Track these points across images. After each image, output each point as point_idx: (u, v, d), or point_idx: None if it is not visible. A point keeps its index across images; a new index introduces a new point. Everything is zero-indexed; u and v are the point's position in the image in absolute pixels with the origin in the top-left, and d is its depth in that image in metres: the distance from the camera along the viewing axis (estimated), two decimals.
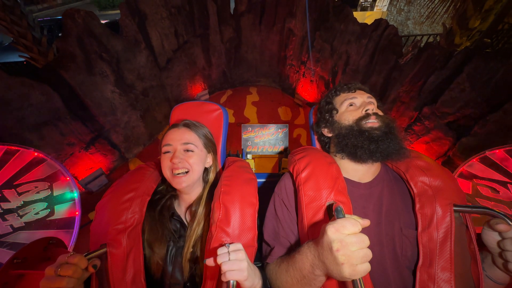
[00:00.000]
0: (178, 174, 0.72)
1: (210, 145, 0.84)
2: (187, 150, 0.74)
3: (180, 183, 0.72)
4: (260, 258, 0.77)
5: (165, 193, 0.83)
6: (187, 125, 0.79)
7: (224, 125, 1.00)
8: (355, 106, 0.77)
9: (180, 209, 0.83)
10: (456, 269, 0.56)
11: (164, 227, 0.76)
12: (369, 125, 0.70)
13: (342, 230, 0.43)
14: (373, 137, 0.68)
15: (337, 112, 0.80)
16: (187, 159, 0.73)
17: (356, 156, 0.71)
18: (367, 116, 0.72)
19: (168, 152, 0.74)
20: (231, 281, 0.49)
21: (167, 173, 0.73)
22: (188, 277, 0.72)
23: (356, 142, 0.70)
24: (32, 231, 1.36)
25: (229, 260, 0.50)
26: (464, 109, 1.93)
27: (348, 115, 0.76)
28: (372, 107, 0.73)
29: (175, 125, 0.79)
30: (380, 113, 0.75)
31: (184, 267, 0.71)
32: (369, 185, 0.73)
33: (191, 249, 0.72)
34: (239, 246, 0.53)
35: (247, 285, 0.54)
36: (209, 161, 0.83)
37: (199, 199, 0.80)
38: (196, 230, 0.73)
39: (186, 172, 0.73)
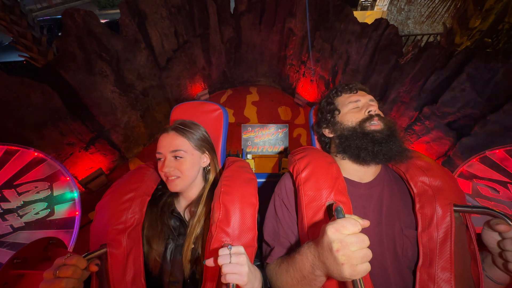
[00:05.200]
0: (171, 178, 0.74)
1: (205, 145, 0.83)
2: (177, 157, 0.75)
3: (173, 187, 0.75)
4: (260, 257, 0.77)
5: (167, 190, 0.84)
6: (177, 129, 0.78)
7: (224, 125, 1.00)
8: (357, 108, 0.76)
9: (181, 207, 0.83)
10: (456, 269, 0.56)
11: (164, 223, 0.77)
12: (372, 127, 0.70)
13: (342, 230, 0.43)
14: (376, 139, 0.68)
15: (339, 112, 0.79)
16: (178, 166, 0.74)
17: (359, 157, 0.70)
18: (370, 117, 0.72)
19: (160, 159, 0.76)
20: (231, 284, 0.49)
21: (163, 178, 0.77)
22: (188, 276, 0.71)
23: (360, 144, 0.70)
24: (32, 231, 1.36)
25: (230, 262, 0.50)
26: (465, 109, 1.93)
27: (351, 116, 0.75)
28: (375, 108, 0.73)
29: (165, 130, 0.79)
30: (382, 114, 0.75)
31: (185, 266, 0.71)
32: (369, 185, 0.72)
33: (192, 246, 0.72)
34: (241, 249, 0.52)
35: None
36: (205, 161, 0.83)
37: (199, 198, 0.80)
38: (196, 227, 0.74)
39: (178, 177, 0.75)
